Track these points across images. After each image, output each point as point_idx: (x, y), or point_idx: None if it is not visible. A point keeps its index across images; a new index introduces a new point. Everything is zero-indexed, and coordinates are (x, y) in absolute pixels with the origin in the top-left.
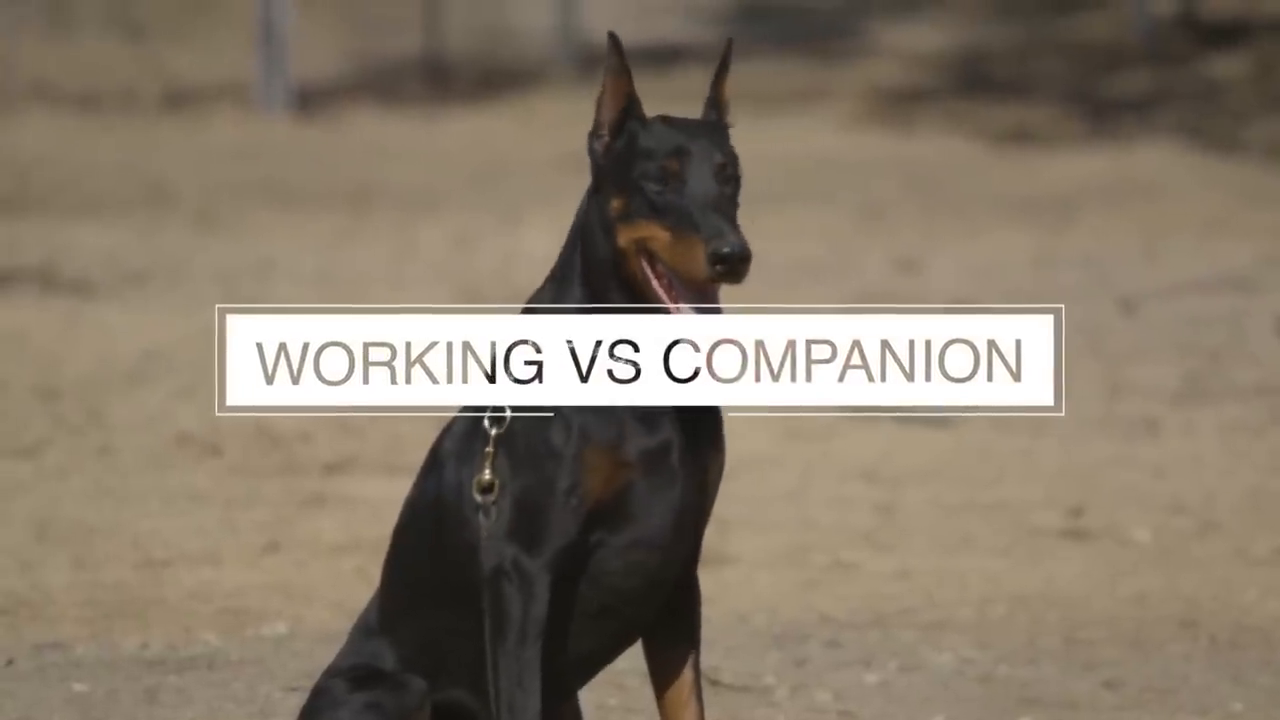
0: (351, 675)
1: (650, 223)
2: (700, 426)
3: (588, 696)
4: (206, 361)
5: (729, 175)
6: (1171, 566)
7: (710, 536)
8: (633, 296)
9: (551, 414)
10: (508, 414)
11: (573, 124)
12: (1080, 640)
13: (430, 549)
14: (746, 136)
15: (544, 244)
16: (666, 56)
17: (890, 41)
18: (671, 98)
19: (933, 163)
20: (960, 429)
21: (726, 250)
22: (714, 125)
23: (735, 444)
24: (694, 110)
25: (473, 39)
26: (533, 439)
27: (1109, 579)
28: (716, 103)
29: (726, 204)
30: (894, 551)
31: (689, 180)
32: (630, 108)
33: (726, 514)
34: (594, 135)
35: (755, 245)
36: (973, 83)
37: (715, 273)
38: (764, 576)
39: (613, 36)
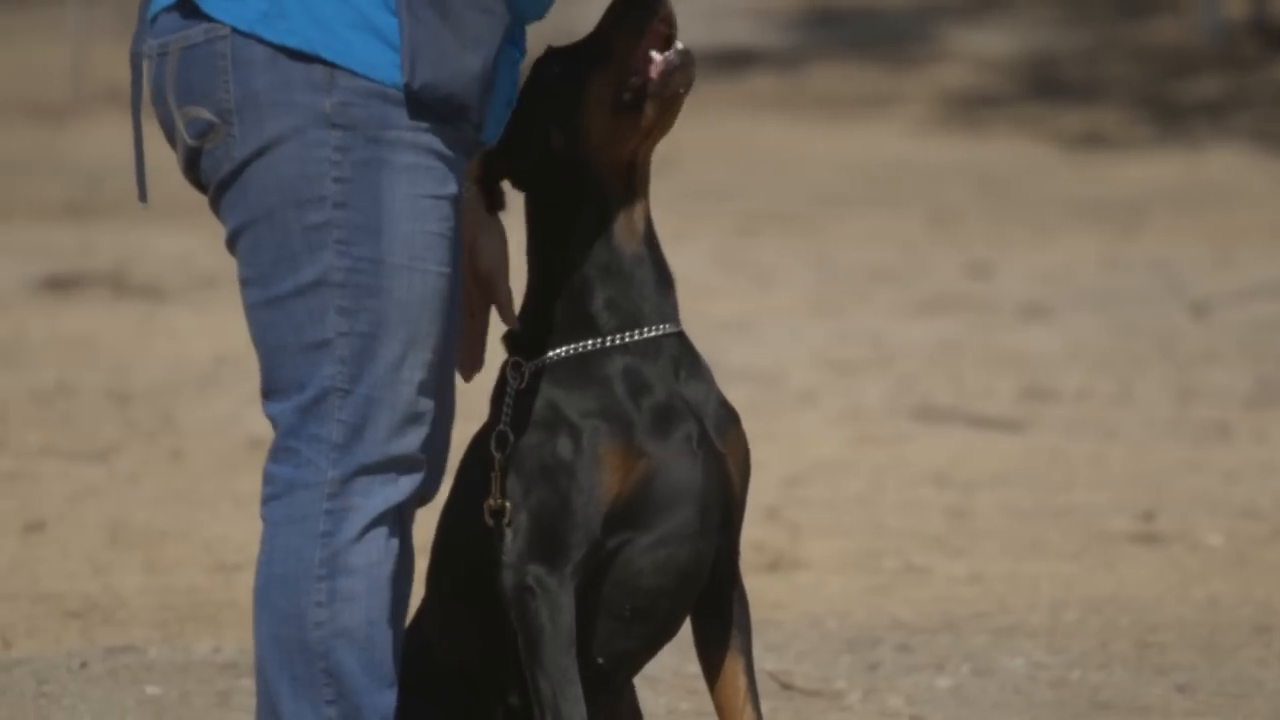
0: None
1: None
2: (714, 410)
3: (659, 701)
4: None
5: None
6: (1244, 571)
7: (781, 541)
8: None
9: (556, 425)
10: (510, 435)
11: None
12: (1152, 645)
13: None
14: (816, 141)
15: None
16: (736, 60)
17: (960, 46)
18: (742, 101)
19: (1002, 167)
20: (1031, 434)
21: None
22: None
23: (806, 448)
24: (771, 116)
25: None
26: (542, 452)
27: (1181, 583)
28: None
29: None
30: (965, 556)
31: None
32: None
33: (797, 518)
34: None
35: (826, 250)
36: (1042, 87)
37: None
38: (835, 580)
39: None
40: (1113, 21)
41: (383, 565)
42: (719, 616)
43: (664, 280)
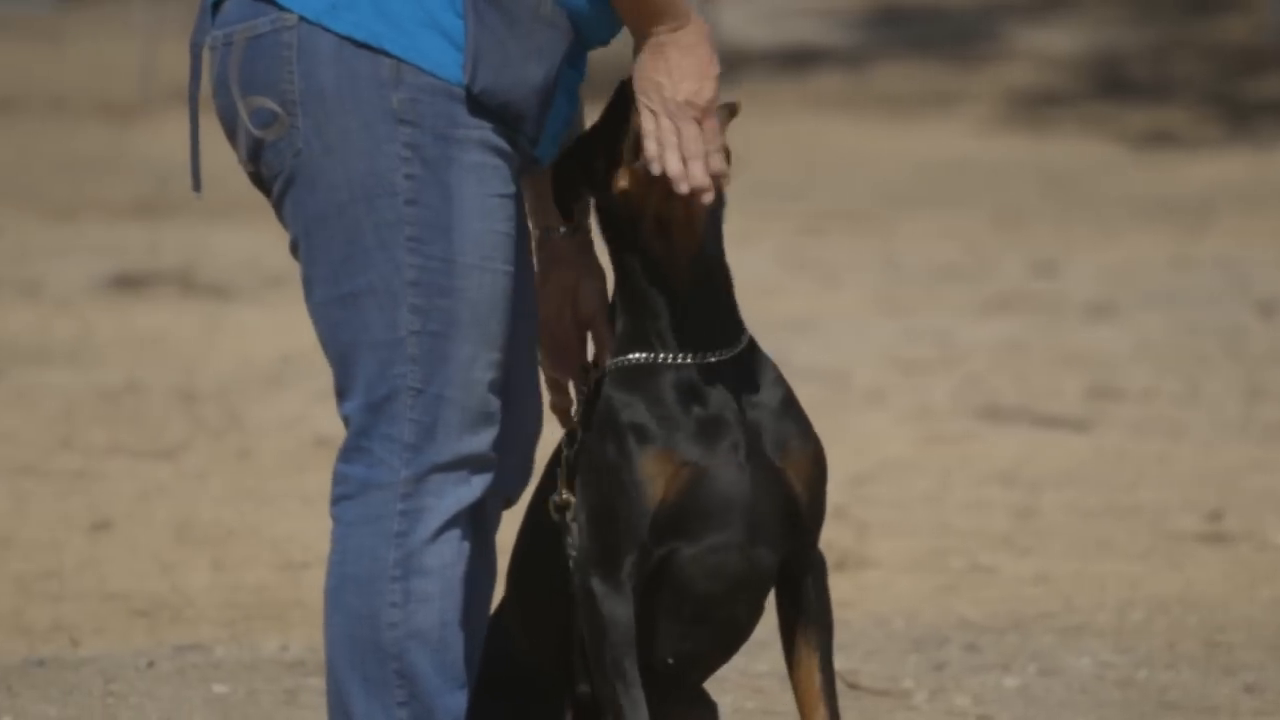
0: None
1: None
2: (776, 423)
3: (725, 699)
4: None
5: None
6: None
7: (848, 540)
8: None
9: (609, 428)
10: (579, 432)
11: None
12: (1220, 644)
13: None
14: (881, 140)
15: None
16: (802, 59)
17: (1025, 45)
18: (808, 101)
19: (1069, 165)
20: (1097, 433)
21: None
22: None
23: (873, 448)
24: (836, 115)
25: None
26: (595, 453)
27: (1249, 583)
28: None
29: None
30: (1032, 555)
31: None
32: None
33: (865, 517)
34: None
35: (892, 249)
36: (1109, 86)
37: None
38: (902, 580)
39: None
40: (1180, 20)
41: (456, 566)
42: (798, 613)
43: (722, 308)
